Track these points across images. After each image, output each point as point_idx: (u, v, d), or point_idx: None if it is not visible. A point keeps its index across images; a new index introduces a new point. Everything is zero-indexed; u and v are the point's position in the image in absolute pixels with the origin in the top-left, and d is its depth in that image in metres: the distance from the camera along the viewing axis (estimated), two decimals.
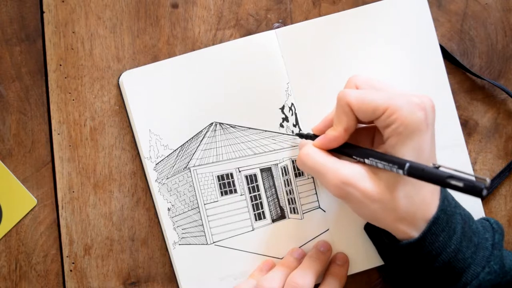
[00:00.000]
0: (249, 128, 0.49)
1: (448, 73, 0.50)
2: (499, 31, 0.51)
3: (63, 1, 0.49)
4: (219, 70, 0.48)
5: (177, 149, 0.48)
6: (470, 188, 0.34)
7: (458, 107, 0.50)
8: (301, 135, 0.46)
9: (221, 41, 0.50)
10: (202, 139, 0.48)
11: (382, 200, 0.40)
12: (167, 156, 0.48)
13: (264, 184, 0.49)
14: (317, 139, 0.43)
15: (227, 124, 0.49)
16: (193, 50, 0.50)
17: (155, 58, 0.49)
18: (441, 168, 0.37)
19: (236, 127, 0.49)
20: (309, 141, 0.45)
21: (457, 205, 0.43)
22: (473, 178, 0.35)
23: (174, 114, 0.48)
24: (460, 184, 0.34)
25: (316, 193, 0.49)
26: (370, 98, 0.40)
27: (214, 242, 0.48)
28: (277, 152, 0.49)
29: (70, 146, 0.49)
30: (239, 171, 0.48)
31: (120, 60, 0.49)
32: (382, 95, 0.40)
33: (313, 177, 0.49)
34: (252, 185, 0.49)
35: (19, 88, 0.49)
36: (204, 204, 0.48)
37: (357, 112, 0.40)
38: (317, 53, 0.49)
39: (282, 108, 0.49)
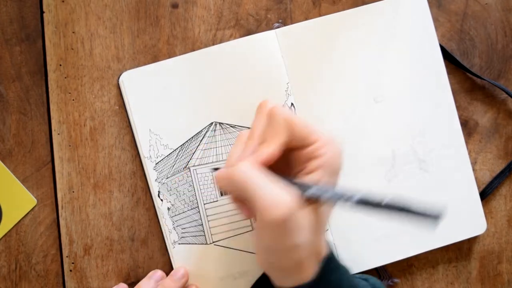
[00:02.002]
0: (249, 128, 0.49)
1: (448, 73, 0.50)
2: (499, 31, 0.51)
3: (63, 1, 0.49)
4: (219, 70, 0.48)
5: (177, 148, 0.48)
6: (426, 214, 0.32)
7: (458, 107, 0.50)
8: (217, 170, 0.44)
9: (221, 41, 0.50)
10: (202, 139, 0.48)
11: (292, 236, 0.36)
12: (167, 155, 0.48)
13: None
14: (250, 158, 0.37)
15: (227, 124, 0.49)
16: (193, 50, 0.50)
17: (155, 58, 0.50)
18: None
19: (236, 127, 0.49)
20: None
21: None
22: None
23: (174, 114, 0.48)
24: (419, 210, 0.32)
25: None
26: (307, 123, 0.37)
27: (213, 242, 0.48)
28: None
29: (70, 146, 0.49)
30: None
31: (120, 60, 0.49)
32: (315, 128, 0.38)
33: None
34: None
35: (19, 88, 0.49)
36: (204, 204, 0.48)
37: (292, 131, 0.37)
38: (317, 53, 0.49)
39: None
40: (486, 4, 0.51)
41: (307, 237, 0.35)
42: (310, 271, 0.37)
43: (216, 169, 0.45)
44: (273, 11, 0.51)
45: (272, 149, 0.36)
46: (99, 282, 0.49)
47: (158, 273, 0.48)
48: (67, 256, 0.49)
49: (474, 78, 0.51)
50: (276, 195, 0.34)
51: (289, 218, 0.34)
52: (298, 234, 0.35)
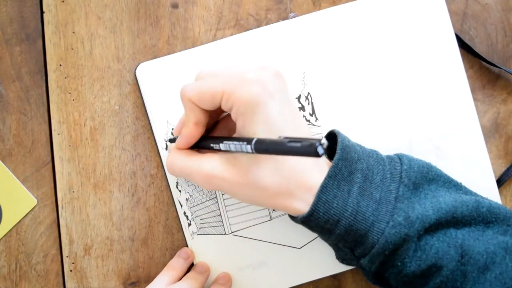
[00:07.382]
0: None
1: None
2: (499, 31, 0.51)
3: (63, 1, 0.49)
4: (235, 60, 0.48)
5: None
6: (306, 148, 0.32)
7: None
8: (171, 140, 0.46)
9: None
10: None
11: (249, 183, 0.39)
12: None
13: None
14: (177, 141, 0.43)
15: None
16: None
17: (155, 58, 0.49)
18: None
19: None
20: (173, 145, 0.44)
21: (360, 159, 0.41)
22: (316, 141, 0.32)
23: None
24: (298, 145, 0.32)
25: None
26: (206, 87, 0.39)
27: (232, 232, 0.48)
28: None
29: (70, 146, 0.49)
30: None
31: (120, 60, 0.49)
32: (217, 81, 0.39)
33: None
34: None
35: (19, 88, 0.49)
36: (222, 194, 0.48)
37: (200, 104, 0.39)
38: (333, 42, 0.49)
39: (298, 98, 0.48)
40: (486, 4, 0.51)
41: (241, 186, 0.39)
42: (298, 206, 0.39)
43: (170, 139, 0.46)
44: (273, 11, 0.51)
45: (189, 129, 0.41)
46: (99, 282, 0.49)
47: (185, 249, 0.48)
48: (67, 256, 0.49)
49: (474, 78, 0.51)
50: (197, 167, 0.40)
51: (212, 179, 0.40)
52: (229, 188, 0.40)
